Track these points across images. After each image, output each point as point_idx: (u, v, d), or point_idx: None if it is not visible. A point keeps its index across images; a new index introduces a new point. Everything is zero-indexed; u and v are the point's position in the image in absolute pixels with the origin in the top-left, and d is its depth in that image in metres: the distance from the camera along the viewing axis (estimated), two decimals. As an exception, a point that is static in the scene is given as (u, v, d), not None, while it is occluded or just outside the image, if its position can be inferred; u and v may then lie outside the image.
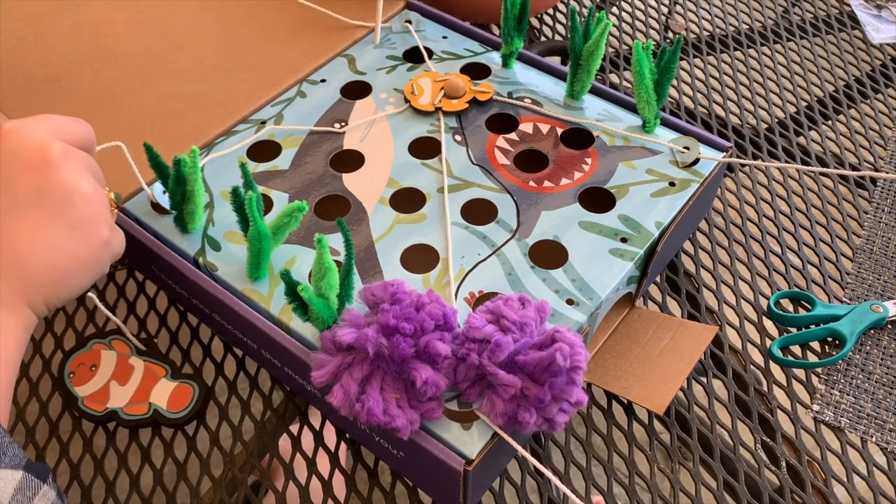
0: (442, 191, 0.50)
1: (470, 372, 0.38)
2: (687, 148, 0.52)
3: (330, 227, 0.48)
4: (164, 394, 0.48)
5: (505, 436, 0.39)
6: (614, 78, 0.72)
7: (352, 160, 0.52)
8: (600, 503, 0.48)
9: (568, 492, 0.39)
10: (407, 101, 0.55)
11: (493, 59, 0.60)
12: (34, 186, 0.37)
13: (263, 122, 0.55)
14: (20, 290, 0.37)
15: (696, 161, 0.52)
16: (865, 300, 0.53)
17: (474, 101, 0.55)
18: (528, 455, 0.39)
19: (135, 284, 0.56)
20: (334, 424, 0.48)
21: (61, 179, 0.38)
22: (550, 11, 0.79)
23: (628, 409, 0.49)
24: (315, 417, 0.50)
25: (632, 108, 0.55)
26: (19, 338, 0.37)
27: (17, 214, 0.37)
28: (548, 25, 0.78)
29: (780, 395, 0.50)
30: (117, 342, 0.50)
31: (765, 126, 0.67)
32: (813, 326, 0.52)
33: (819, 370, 0.50)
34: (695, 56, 0.73)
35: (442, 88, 0.55)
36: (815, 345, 0.52)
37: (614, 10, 0.80)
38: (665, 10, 0.79)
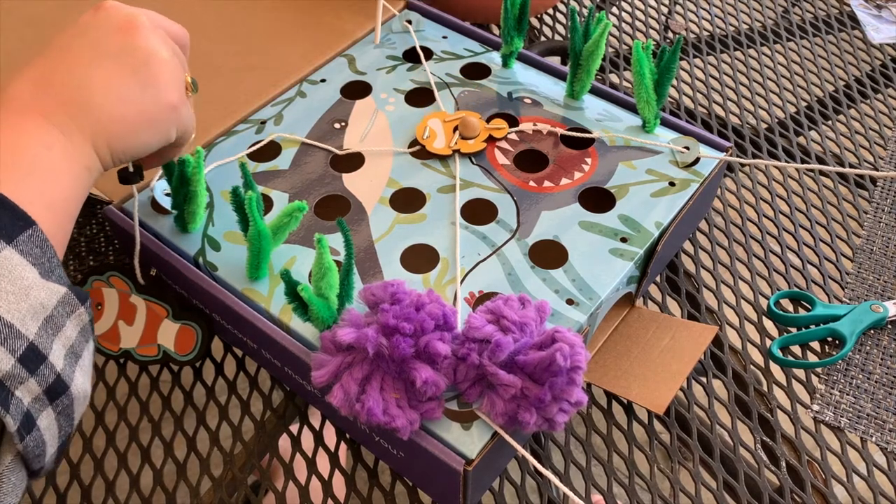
0: (442, 191, 0.50)
1: (470, 372, 0.38)
2: (687, 148, 0.52)
3: (330, 227, 0.48)
4: (170, 335, 0.49)
5: (505, 436, 0.39)
6: (614, 78, 0.72)
7: (352, 160, 0.52)
8: (600, 502, 0.48)
9: (568, 491, 0.39)
10: (420, 145, 0.53)
11: (493, 59, 0.60)
12: (118, 44, 0.40)
13: (263, 122, 0.55)
14: (88, 129, 0.39)
15: (696, 161, 0.52)
16: (865, 300, 0.53)
17: (490, 139, 0.53)
18: (528, 455, 0.39)
19: (135, 284, 0.56)
20: (334, 424, 0.48)
21: (144, 43, 0.41)
22: (550, 11, 0.79)
23: (628, 409, 0.49)
24: (315, 417, 0.50)
25: (632, 108, 0.55)
26: (80, 172, 0.38)
27: (97, 65, 0.40)
28: (548, 25, 0.78)
29: (780, 395, 0.50)
30: (115, 279, 0.50)
31: (765, 126, 0.67)
32: (813, 326, 0.52)
33: (819, 370, 0.50)
34: (695, 56, 0.73)
35: (456, 129, 0.53)
36: (815, 345, 0.52)
37: (614, 10, 0.80)
38: (665, 10, 0.79)
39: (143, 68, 0.40)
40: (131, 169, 0.43)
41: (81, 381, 0.34)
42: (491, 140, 0.53)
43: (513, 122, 0.55)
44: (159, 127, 0.42)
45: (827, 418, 0.48)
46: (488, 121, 0.54)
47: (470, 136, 0.52)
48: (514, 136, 0.53)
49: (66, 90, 0.39)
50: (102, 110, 0.39)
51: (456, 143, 0.52)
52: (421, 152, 0.52)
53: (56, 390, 0.33)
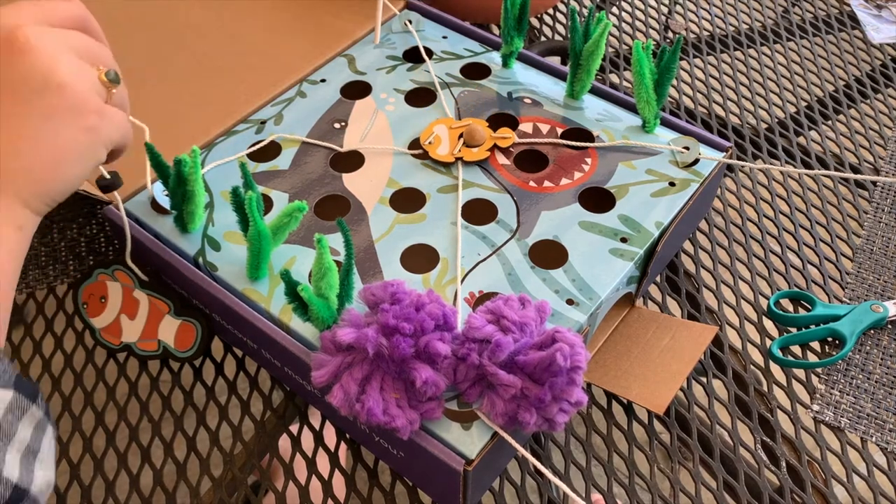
0: (442, 191, 0.50)
1: (470, 372, 0.38)
2: (687, 148, 0.52)
3: (330, 227, 0.48)
4: (171, 331, 0.49)
5: (505, 436, 0.39)
6: (614, 78, 0.72)
7: (352, 160, 0.52)
8: (599, 502, 0.48)
9: (567, 490, 0.39)
10: (424, 151, 0.52)
11: (493, 59, 0.60)
12: (6, 76, 0.36)
13: (263, 122, 0.55)
14: (6, 185, 0.36)
15: (696, 161, 0.52)
16: (865, 300, 0.53)
17: (495, 148, 0.52)
18: (528, 455, 0.39)
19: (135, 284, 0.56)
20: (334, 424, 0.48)
21: (32, 67, 0.36)
22: (550, 11, 0.79)
23: (628, 409, 0.49)
24: (315, 417, 0.50)
25: (632, 108, 0.55)
26: (11, 234, 0.35)
27: None
28: (548, 25, 0.78)
29: (780, 395, 0.50)
30: (119, 272, 0.50)
31: (765, 126, 0.67)
32: (813, 326, 0.52)
33: (819, 370, 0.50)
34: (695, 56, 0.73)
35: (460, 136, 0.52)
36: (815, 345, 0.52)
37: (614, 10, 0.80)
38: (665, 10, 0.79)
39: (38, 98, 0.36)
40: (107, 176, 0.42)
41: (43, 475, 0.33)
42: (495, 148, 0.52)
43: (513, 122, 0.55)
44: (83, 153, 0.38)
45: (827, 418, 0.48)
46: (491, 122, 0.54)
47: (475, 144, 0.51)
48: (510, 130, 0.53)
49: None
50: (15, 160, 0.35)
51: (460, 150, 0.51)
52: (422, 153, 0.52)
53: (15, 499, 0.31)
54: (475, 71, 0.59)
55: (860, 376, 0.50)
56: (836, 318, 0.51)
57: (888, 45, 0.75)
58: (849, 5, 0.79)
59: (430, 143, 0.52)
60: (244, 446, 0.48)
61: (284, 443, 0.48)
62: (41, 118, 0.36)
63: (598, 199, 0.50)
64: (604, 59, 0.72)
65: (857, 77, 0.71)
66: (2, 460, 0.31)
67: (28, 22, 0.37)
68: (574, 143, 0.53)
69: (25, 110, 0.36)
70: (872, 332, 0.52)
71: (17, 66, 0.36)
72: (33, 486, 0.32)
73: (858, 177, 0.52)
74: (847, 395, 0.49)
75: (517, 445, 0.39)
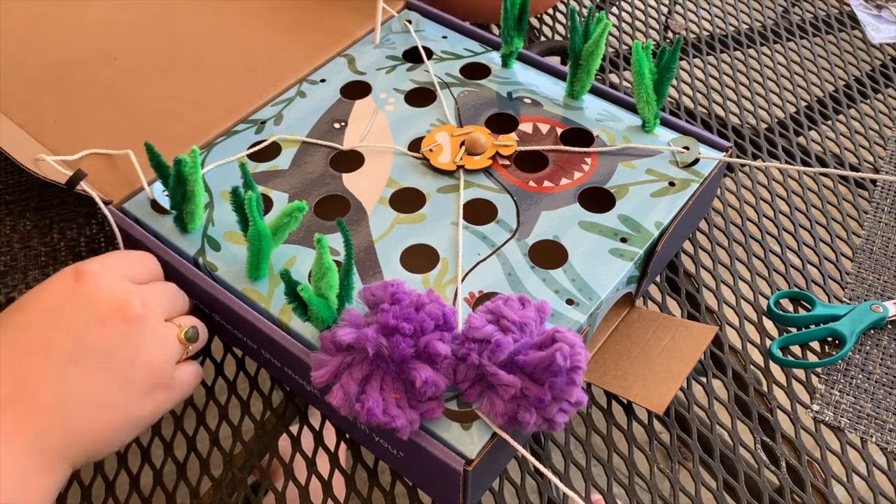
0: (442, 191, 0.50)
1: (470, 372, 0.38)
2: (687, 148, 0.52)
3: (330, 227, 0.48)
4: None
5: (505, 436, 0.39)
6: (614, 78, 0.72)
7: (352, 160, 0.52)
8: (599, 502, 0.48)
9: (567, 490, 0.39)
10: (425, 158, 0.52)
11: (493, 59, 0.60)
12: (104, 341, 0.37)
13: (263, 122, 0.55)
14: (65, 450, 0.36)
15: (696, 161, 0.52)
16: (865, 300, 0.53)
17: (496, 155, 0.52)
18: (528, 455, 0.39)
19: (135, 284, 0.56)
20: (334, 424, 0.48)
21: (134, 338, 0.37)
22: (550, 11, 0.79)
23: (628, 409, 0.49)
24: (315, 417, 0.50)
25: (632, 108, 0.55)
26: (46, 499, 0.36)
27: (79, 367, 0.36)
28: (548, 25, 0.78)
29: (780, 395, 0.50)
30: None
31: (765, 126, 0.67)
32: (813, 326, 0.52)
33: (819, 370, 0.50)
34: (695, 56, 0.73)
35: (462, 144, 0.52)
36: (815, 345, 0.52)
37: (614, 10, 0.80)
38: (665, 10, 0.79)
39: (132, 368, 0.37)
40: (67, 173, 0.42)
41: None
42: (497, 157, 0.51)
43: (513, 121, 0.55)
44: (144, 423, 0.39)
45: (827, 418, 0.48)
46: (491, 122, 0.54)
47: (476, 152, 0.51)
48: (513, 136, 0.53)
49: (45, 404, 0.35)
50: (84, 422, 0.36)
51: (461, 158, 0.51)
52: (422, 157, 0.52)
53: None
54: (475, 71, 0.59)
55: (860, 376, 0.50)
56: (836, 318, 0.52)
57: (888, 45, 0.75)
58: (849, 5, 0.79)
59: (431, 150, 0.51)
60: (244, 446, 0.48)
61: (284, 443, 0.48)
62: (124, 386, 0.37)
63: (598, 199, 0.50)
64: (604, 59, 0.72)
65: (857, 77, 0.71)
66: None
67: (129, 291, 0.38)
68: (576, 149, 0.53)
69: (112, 376, 0.37)
70: (872, 332, 0.52)
71: (120, 334, 0.37)
72: None
73: (858, 175, 0.52)
74: (847, 395, 0.49)
75: (517, 445, 0.39)
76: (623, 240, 0.47)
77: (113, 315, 0.37)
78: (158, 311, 0.40)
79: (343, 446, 0.48)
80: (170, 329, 0.41)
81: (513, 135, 0.53)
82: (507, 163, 0.52)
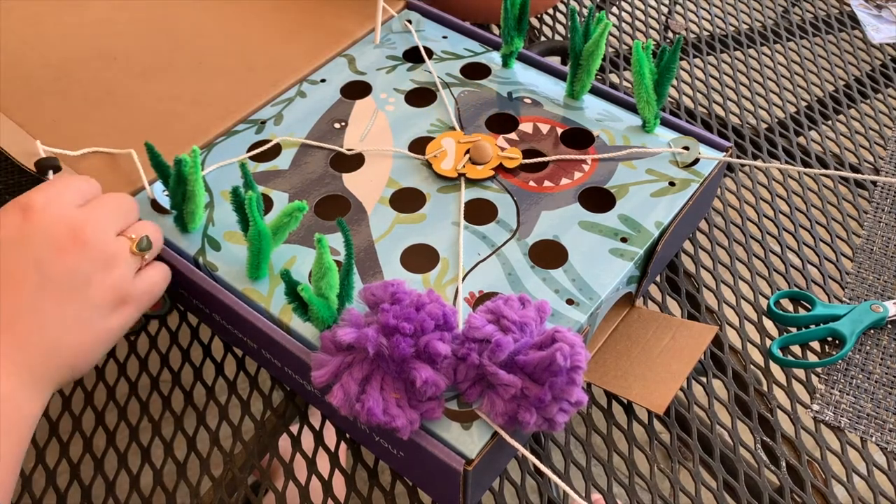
0: (442, 191, 0.50)
1: (470, 372, 0.38)
2: (687, 148, 0.52)
3: (330, 227, 0.48)
4: None
5: (506, 436, 0.39)
6: (614, 78, 0.72)
7: (352, 160, 0.52)
8: (599, 501, 0.48)
9: (567, 488, 0.39)
10: (428, 163, 0.51)
11: (493, 59, 0.60)
12: (63, 268, 0.39)
13: (263, 122, 0.55)
14: (47, 371, 0.39)
15: (696, 161, 0.52)
16: (865, 300, 0.53)
17: (500, 166, 0.51)
18: (528, 454, 0.39)
19: (135, 284, 0.55)
20: (334, 424, 0.48)
21: (86, 264, 0.40)
22: (550, 11, 0.79)
23: (628, 408, 0.49)
24: (315, 417, 0.50)
25: (632, 108, 0.55)
26: (35, 417, 0.38)
27: (46, 297, 0.38)
28: (548, 25, 0.78)
29: (780, 395, 0.50)
30: None
31: (765, 126, 0.67)
32: (813, 326, 0.52)
33: (819, 370, 0.50)
34: (695, 56, 0.73)
35: (466, 152, 0.51)
36: (815, 345, 0.52)
37: (614, 10, 0.80)
38: (665, 10, 0.79)
39: (93, 288, 0.39)
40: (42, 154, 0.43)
41: None
42: (501, 168, 0.51)
43: (513, 122, 0.55)
44: (116, 336, 0.41)
45: (827, 418, 0.48)
46: (491, 123, 0.54)
47: (481, 161, 0.51)
48: (514, 136, 0.53)
49: (23, 333, 0.38)
50: (61, 346, 0.38)
51: (464, 166, 0.51)
52: (420, 153, 0.52)
53: None
54: (475, 71, 0.59)
55: (860, 376, 0.50)
56: (836, 317, 0.52)
57: (888, 45, 0.75)
58: (849, 5, 0.80)
59: (435, 156, 0.51)
60: (244, 446, 0.48)
61: (284, 443, 0.48)
62: (86, 310, 0.39)
63: (598, 198, 0.50)
64: (604, 59, 0.72)
65: (857, 77, 0.71)
66: None
67: (80, 216, 0.40)
68: (576, 157, 0.53)
69: (77, 299, 0.39)
70: (872, 331, 0.52)
71: (76, 259, 0.39)
72: None
73: (858, 176, 0.52)
74: (847, 394, 0.49)
75: (517, 445, 0.39)
76: (623, 240, 0.47)
77: (68, 242, 0.39)
78: (108, 230, 0.41)
79: (343, 446, 0.48)
80: (121, 243, 0.42)
81: (517, 145, 0.53)
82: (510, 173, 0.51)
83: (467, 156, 0.51)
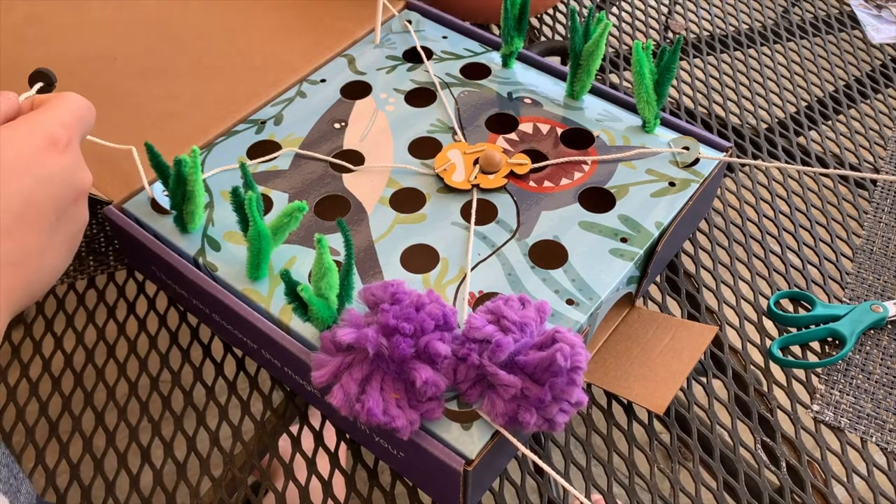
0: (442, 191, 0.50)
1: (470, 372, 0.38)
2: (687, 148, 0.52)
3: (330, 227, 0.48)
4: None
5: (508, 435, 0.39)
6: (614, 78, 0.72)
7: (352, 160, 0.52)
8: (599, 502, 0.48)
9: (567, 486, 0.39)
10: (439, 177, 0.51)
11: (493, 59, 0.60)
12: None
13: (263, 122, 0.55)
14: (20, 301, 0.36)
15: (696, 161, 0.52)
16: (865, 300, 0.53)
17: (511, 173, 0.51)
18: (528, 452, 0.39)
19: (135, 284, 0.56)
20: (334, 424, 0.48)
21: (62, 170, 0.37)
22: (550, 11, 0.79)
23: (628, 409, 0.49)
24: (315, 417, 0.50)
25: (632, 108, 0.55)
26: None
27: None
28: (548, 25, 0.78)
29: (780, 395, 0.50)
30: None
31: (765, 126, 0.67)
32: (813, 326, 0.52)
33: (819, 370, 0.50)
34: (695, 56, 0.73)
35: (475, 162, 0.51)
36: (815, 345, 0.52)
37: (614, 10, 0.80)
38: (665, 10, 0.79)
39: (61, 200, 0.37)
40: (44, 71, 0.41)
41: None
42: (512, 175, 0.51)
43: (513, 122, 0.55)
44: (76, 244, 0.39)
45: (827, 418, 0.48)
46: (491, 123, 0.54)
47: (491, 170, 0.50)
48: (514, 136, 0.53)
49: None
50: (18, 272, 0.36)
51: (476, 177, 0.50)
52: (420, 153, 0.52)
53: None
54: (475, 71, 0.59)
55: (860, 376, 0.50)
56: (836, 318, 0.52)
57: (888, 45, 0.75)
58: (849, 5, 0.79)
59: (444, 169, 0.51)
60: (244, 446, 0.48)
61: (284, 443, 0.48)
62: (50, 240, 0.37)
63: (597, 199, 0.50)
64: (604, 59, 0.72)
65: (857, 77, 0.71)
66: None
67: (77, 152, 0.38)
68: (579, 158, 0.53)
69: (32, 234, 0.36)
70: (872, 332, 0.52)
71: (52, 166, 0.36)
72: None
73: (857, 174, 0.52)
74: (847, 395, 0.49)
75: (519, 445, 0.39)
76: (623, 240, 0.47)
77: (52, 146, 0.37)
78: (77, 142, 0.39)
79: (343, 446, 0.48)
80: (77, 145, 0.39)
81: (517, 145, 0.53)
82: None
83: (477, 166, 0.51)
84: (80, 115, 0.39)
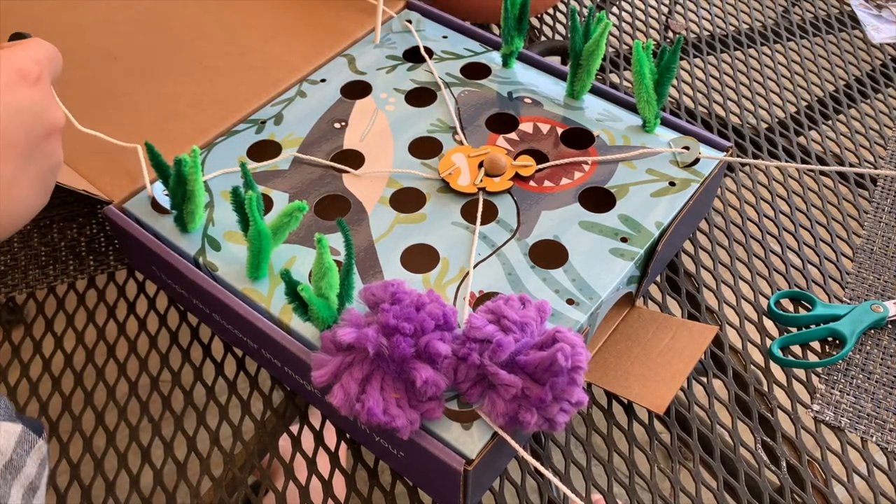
0: (442, 191, 0.50)
1: (471, 372, 0.38)
2: (687, 148, 0.52)
3: (330, 227, 0.48)
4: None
5: (506, 436, 0.39)
6: (614, 78, 0.72)
7: (352, 160, 0.52)
8: (600, 502, 0.48)
9: (567, 491, 0.39)
10: (444, 181, 0.50)
11: (493, 58, 0.60)
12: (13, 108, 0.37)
13: (263, 122, 0.55)
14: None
15: (696, 161, 0.52)
16: (865, 300, 0.53)
17: (516, 176, 0.50)
18: (528, 456, 0.39)
19: (135, 284, 0.56)
20: (334, 424, 0.48)
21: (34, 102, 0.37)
22: (550, 11, 0.79)
23: (628, 409, 0.49)
24: (315, 417, 0.50)
25: (632, 108, 0.55)
26: None
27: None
28: (548, 25, 0.78)
29: (780, 395, 0.50)
30: None
31: (765, 126, 0.67)
32: (813, 326, 0.52)
33: (819, 370, 0.50)
34: (695, 56, 0.73)
35: (480, 165, 0.51)
36: (816, 345, 0.52)
37: (614, 10, 0.80)
38: (665, 10, 0.79)
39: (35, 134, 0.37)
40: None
41: None
42: (518, 178, 0.50)
43: (513, 121, 0.55)
44: (48, 186, 0.39)
45: (827, 418, 0.48)
46: (491, 122, 0.54)
47: (496, 173, 0.50)
48: (514, 136, 0.53)
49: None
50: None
51: (481, 180, 0.50)
52: (420, 153, 0.52)
53: None
54: (475, 71, 0.59)
55: (860, 376, 0.50)
56: (837, 317, 0.51)
57: (888, 45, 0.75)
58: (849, 5, 0.80)
59: (450, 173, 0.50)
60: (244, 446, 0.48)
61: (284, 443, 0.48)
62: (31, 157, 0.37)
63: (598, 198, 0.50)
64: (604, 59, 0.72)
65: (857, 77, 0.71)
66: (7, 494, 0.31)
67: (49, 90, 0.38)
68: (580, 158, 0.53)
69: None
70: (872, 331, 0.52)
71: (23, 98, 0.36)
72: None
73: (858, 169, 0.52)
74: (847, 394, 0.49)
75: (517, 446, 0.39)
76: (623, 239, 0.47)
77: (24, 78, 0.37)
78: (48, 77, 0.40)
79: (343, 446, 0.48)
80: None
81: (517, 145, 0.53)
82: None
83: (482, 169, 0.51)
84: (50, 56, 0.40)
